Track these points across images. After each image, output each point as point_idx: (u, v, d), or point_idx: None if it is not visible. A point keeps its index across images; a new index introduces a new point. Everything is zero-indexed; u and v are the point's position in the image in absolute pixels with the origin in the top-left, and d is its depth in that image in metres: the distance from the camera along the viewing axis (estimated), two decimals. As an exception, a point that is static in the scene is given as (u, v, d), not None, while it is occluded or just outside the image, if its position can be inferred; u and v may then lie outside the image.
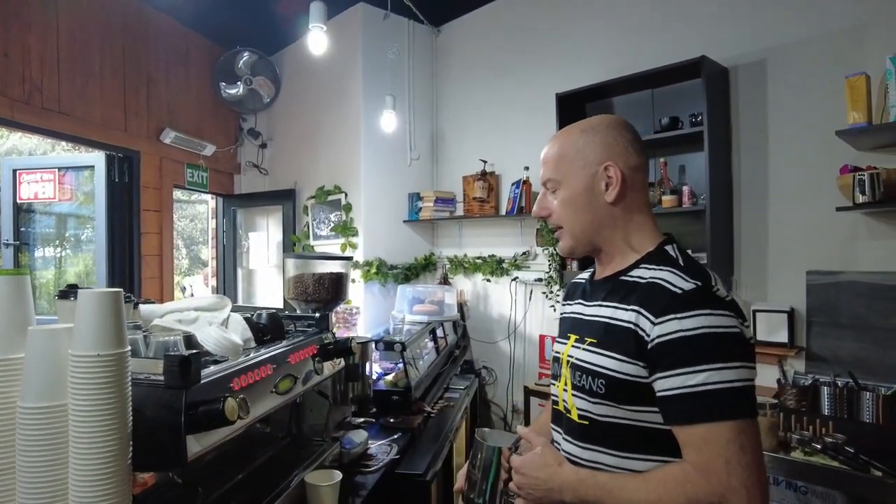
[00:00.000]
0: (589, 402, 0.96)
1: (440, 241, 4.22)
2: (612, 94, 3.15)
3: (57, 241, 3.87)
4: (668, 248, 1.00)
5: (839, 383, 2.22)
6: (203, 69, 4.19)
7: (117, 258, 3.43)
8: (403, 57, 4.05)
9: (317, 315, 1.63)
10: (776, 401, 2.08)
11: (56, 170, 3.47)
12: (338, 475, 1.35)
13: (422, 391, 2.37)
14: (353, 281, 3.77)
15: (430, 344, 2.94)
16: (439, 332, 3.05)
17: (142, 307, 1.29)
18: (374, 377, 2.31)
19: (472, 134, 3.99)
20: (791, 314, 2.54)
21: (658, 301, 0.89)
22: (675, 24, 2.97)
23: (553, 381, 1.10)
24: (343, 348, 1.58)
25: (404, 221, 4.05)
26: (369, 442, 1.79)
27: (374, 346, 2.21)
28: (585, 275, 1.17)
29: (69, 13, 3.12)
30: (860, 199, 2.14)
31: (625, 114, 3.11)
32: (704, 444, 0.84)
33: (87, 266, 3.71)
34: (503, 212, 3.67)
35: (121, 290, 0.89)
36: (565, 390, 1.03)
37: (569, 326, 1.09)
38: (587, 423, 0.97)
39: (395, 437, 1.91)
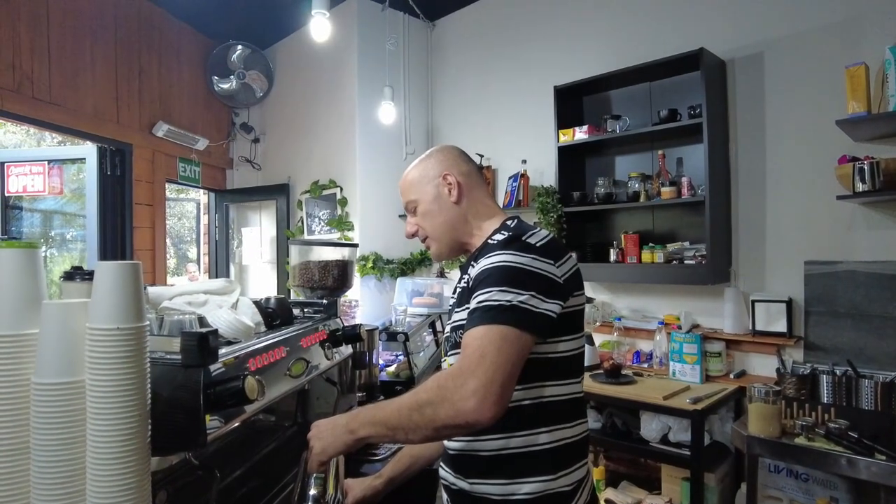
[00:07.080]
0: (458, 355, 1.07)
1: (436, 236, 4.19)
2: (610, 87, 3.16)
3: (41, 240, 3.78)
4: (508, 221, 1.18)
5: (838, 372, 2.23)
6: (196, 63, 4.14)
7: (109, 252, 3.37)
8: (399, 51, 4.03)
9: (324, 301, 1.61)
10: (779, 388, 2.09)
11: (46, 162, 3.39)
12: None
13: (423, 382, 2.36)
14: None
15: (429, 337, 2.93)
16: (438, 325, 3.04)
17: (150, 289, 1.26)
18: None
19: (468, 128, 3.98)
20: (789, 304, 2.55)
21: (481, 255, 1.08)
22: (672, 16, 2.98)
23: (445, 358, 1.22)
24: (352, 335, 1.57)
25: (400, 216, 4.02)
26: (375, 431, 1.77)
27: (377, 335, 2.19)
28: None
29: (60, 1, 3.06)
30: (860, 187, 2.16)
31: (623, 106, 3.12)
32: (471, 342, 0.93)
33: (73, 265, 3.62)
34: (500, 205, 3.64)
35: (139, 262, 0.86)
36: (447, 354, 1.17)
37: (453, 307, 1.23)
38: None
39: (400, 426, 1.89)
